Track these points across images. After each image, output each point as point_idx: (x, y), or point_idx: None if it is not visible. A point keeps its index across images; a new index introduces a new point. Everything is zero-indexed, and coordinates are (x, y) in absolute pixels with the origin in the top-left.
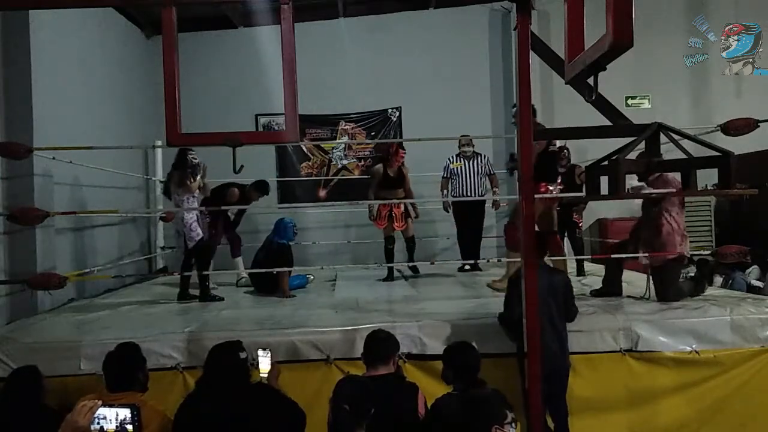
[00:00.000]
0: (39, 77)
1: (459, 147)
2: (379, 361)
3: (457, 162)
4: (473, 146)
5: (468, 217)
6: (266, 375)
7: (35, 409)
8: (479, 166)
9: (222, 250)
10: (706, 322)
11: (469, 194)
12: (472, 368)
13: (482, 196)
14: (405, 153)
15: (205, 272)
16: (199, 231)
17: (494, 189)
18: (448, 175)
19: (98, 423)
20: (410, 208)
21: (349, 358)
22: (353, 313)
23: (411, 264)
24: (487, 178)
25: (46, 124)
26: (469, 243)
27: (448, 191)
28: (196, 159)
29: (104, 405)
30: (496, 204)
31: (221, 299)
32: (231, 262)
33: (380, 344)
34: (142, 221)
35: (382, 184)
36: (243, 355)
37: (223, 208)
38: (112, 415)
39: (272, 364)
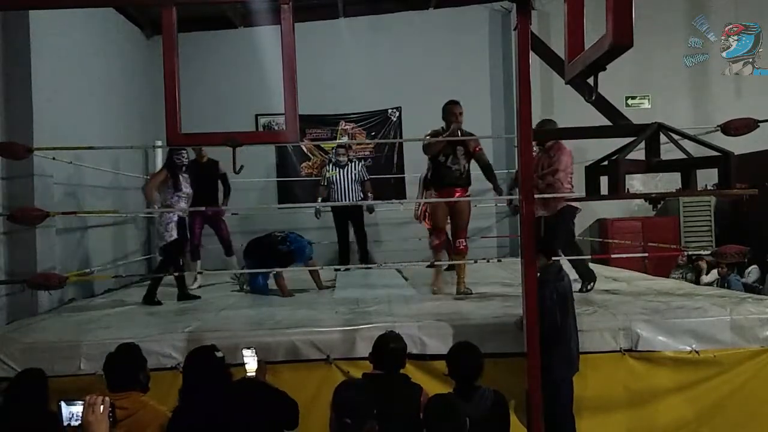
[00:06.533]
0: (39, 77)
1: (334, 156)
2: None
3: (332, 171)
4: (348, 155)
5: (350, 222)
6: (254, 374)
7: (40, 412)
8: (353, 173)
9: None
10: (706, 322)
11: (345, 200)
12: (469, 368)
13: (358, 201)
14: None
15: (167, 274)
16: (174, 233)
17: (368, 194)
18: (326, 183)
19: (75, 420)
20: None
21: (349, 358)
22: (353, 313)
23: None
24: (360, 184)
25: (46, 124)
26: (358, 244)
27: (324, 198)
28: (183, 159)
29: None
30: (370, 208)
31: (160, 304)
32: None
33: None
34: (142, 221)
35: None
36: (219, 354)
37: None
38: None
39: (259, 363)
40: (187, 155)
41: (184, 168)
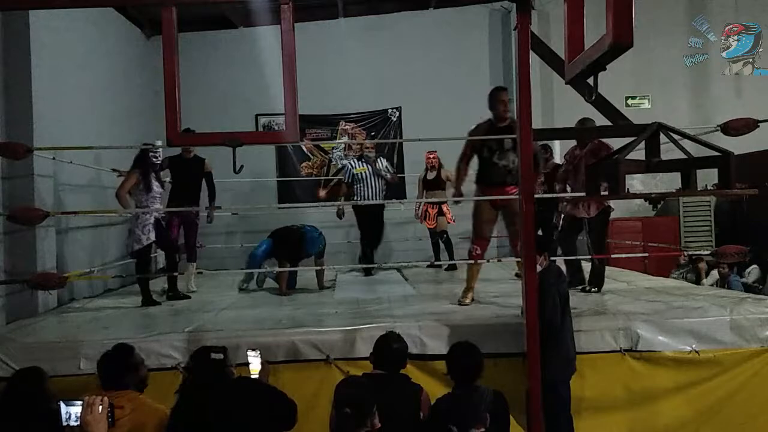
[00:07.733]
0: (39, 77)
1: (358, 150)
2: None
3: (360, 167)
4: (374, 151)
5: (372, 220)
6: (257, 375)
7: (39, 411)
8: (380, 170)
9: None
10: (706, 322)
11: (374, 198)
12: (469, 368)
13: (384, 199)
14: (432, 155)
15: (163, 274)
16: (152, 236)
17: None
18: (351, 180)
19: (74, 420)
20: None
21: (349, 358)
22: (353, 313)
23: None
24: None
25: (46, 124)
26: (371, 245)
27: (346, 196)
28: (157, 158)
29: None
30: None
31: (159, 304)
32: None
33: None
34: None
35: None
36: (217, 356)
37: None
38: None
39: (262, 363)
40: (161, 154)
41: (158, 167)
